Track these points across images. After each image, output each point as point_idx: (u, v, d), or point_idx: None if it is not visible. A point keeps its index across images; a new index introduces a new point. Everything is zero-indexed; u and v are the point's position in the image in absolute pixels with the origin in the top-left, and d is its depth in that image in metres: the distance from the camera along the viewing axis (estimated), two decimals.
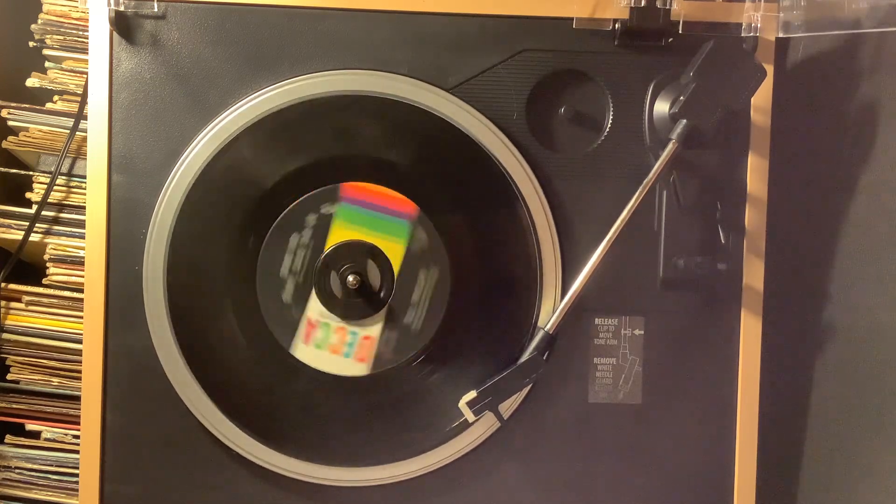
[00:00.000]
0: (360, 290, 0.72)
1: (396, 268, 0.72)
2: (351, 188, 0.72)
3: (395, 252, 0.72)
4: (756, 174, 0.76)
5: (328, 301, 0.72)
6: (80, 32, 0.85)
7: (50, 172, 0.84)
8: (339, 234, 0.72)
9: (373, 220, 0.72)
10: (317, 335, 0.73)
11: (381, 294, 0.72)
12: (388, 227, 0.72)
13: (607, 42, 0.75)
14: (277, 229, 0.72)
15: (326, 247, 0.72)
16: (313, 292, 0.72)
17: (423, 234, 0.72)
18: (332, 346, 0.73)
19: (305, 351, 0.73)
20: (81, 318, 0.76)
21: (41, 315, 0.85)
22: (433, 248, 0.73)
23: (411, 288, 0.73)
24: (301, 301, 0.72)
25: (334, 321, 0.72)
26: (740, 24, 0.75)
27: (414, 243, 0.72)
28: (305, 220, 0.72)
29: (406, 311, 0.73)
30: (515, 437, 0.76)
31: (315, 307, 0.72)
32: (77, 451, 0.77)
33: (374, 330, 0.73)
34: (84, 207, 0.76)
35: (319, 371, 0.73)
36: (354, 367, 0.73)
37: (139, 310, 0.73)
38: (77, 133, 0.83)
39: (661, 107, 0.75)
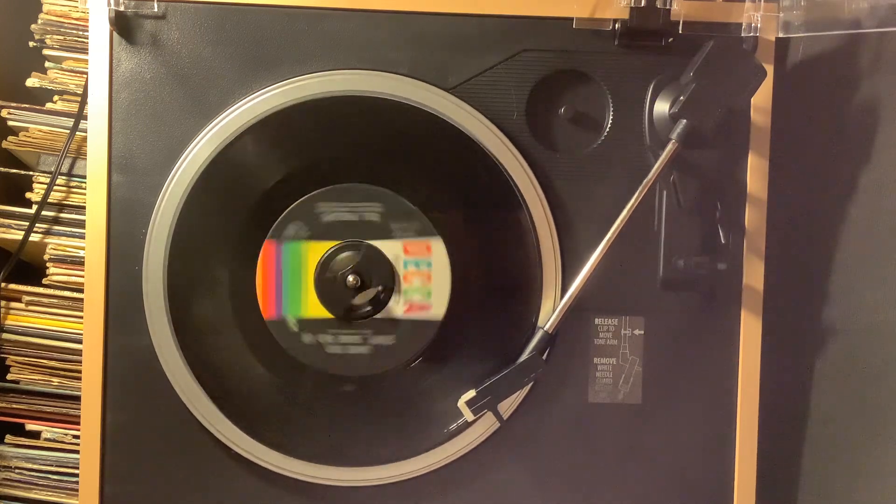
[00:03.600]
0: (363, 280, 0.71)
1: (347, 237, 0.72)
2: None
3: (321, 249, 0.72)
4: (756, 174, 0.76)
5: (377, 303, 0.72)
6: (80, 32, 0.85)
7: (50, 172, 0.84)
8: (316, 308, 0.72)
9: (293, 280, 0.72)
10: (417, 298, 0.72)
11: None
12: (417, 292, 0.72)
13: (607, 42, 0.75)
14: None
15: (328, 313, 0.72)
16: (382, 311, 0.73)
17: (294, 227, 0.72)
18: (422, 290, 0.72)
19: (437, 309, 0.73)
20: (81, 318, 0.76)
21: (41, 315, 0.85)
22: (304, 209, 0.72)
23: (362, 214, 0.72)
24: (388, 324, 0.73)
25: (405, 291, 0.72)
26: (740, 24, 0.75)
27: (304, 232, 0.72)
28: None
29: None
30: (515, 437, 0.76)
31: (395, 305, 0.72)
32: (77, 451, 0.77)
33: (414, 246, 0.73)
34: (84, 207, 0.76)
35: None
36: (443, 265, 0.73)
37: (139, 310, 0.73)
38: (77, 133, 0.83)
39: (661, 107, 0.75)
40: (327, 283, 0.72)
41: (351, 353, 0.73)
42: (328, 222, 0.72)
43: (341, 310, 0.72)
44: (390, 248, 0.72)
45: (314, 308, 0.72)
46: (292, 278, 0.72)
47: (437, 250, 0.72)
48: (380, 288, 0.72)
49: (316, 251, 0.72)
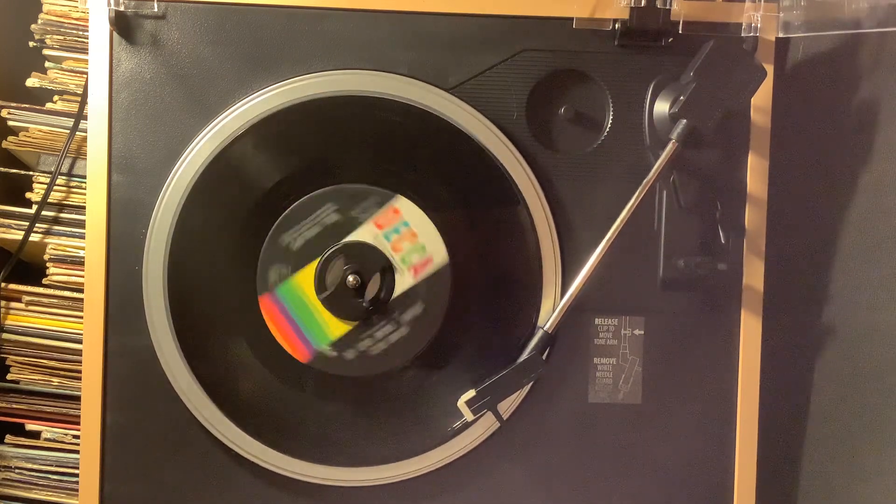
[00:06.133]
0: (361, 275, 0.71)
1: (323, 249, 0.71)
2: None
3: (309, 273, 0.72)
4: (756, 174, 0.76)
5: (387, 287, 0.72)
6: (80, 32, 0.85)
7: (50, 172, 0.84)
8: (337, 325, 0.72)
9: (304, 314, 0.72)
10: (416, 258, 0.72)
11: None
12: (412, 253, 0.72)
13: (607, 42, 0.75)
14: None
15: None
16: (395, 291, 0.72)
17: (275, 272, 0.72)
18: (416, 249, 0.72)
19: (438, 256, 0.72)
20: (81, 318, 0.76)
21: (41, 315, 0.85)
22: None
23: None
24: (408, 296, 0.72)
25: (402, 260, 0.72)
26: (740, 24, 0.75)
27: (286, 270, 0.72)
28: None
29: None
30: (515, 437, 0.76)
31: (402, 278, 0.72)
32: (77, 451, 0.77)
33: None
34: (84, 207, 0.76)
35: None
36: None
37: (139, 310, 0.73)
38: (77, 133, 0.84)
39: (661, 107, 0.75)
40: (333, 298, 0.71)
41: (392, 341, 0.72)
42: (300, 248, 0.71)
43: (360, 313, 0.71)
44: (365, 233, 0.72)
45: (336, 327, 0.72)
46: (303, 314, 0.72)
47: (405, 207, 0.72)
48: (380, 272, 0.71)
49: (306, 277, 0.72)
